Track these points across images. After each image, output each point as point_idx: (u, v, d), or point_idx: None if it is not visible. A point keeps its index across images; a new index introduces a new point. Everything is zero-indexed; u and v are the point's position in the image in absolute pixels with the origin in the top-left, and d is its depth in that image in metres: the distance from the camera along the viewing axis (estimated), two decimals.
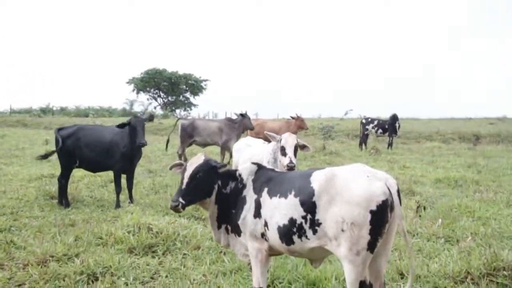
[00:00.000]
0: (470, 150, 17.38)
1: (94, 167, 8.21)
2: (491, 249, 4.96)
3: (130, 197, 8.17)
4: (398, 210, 3.19)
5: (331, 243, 3.27)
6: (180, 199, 3.74)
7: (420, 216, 7.07)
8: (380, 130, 18.57)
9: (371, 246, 3.17)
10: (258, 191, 3.74)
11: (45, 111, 48.30)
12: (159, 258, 5.28)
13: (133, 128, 7.84)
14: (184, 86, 60.84)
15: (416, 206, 7.38)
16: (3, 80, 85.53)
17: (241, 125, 13.37)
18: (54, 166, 12.29)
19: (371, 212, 3.11)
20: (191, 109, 60.75)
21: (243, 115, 13.38)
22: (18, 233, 6.12)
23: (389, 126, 18.47)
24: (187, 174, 3.82)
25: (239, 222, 3.78)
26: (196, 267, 5.01)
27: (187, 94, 62.04)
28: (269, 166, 6.02)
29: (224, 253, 5.36)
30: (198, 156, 3.98)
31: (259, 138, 8.78)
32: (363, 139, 18.37)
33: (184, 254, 5.38)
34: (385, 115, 34.85)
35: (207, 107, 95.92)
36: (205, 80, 61.57)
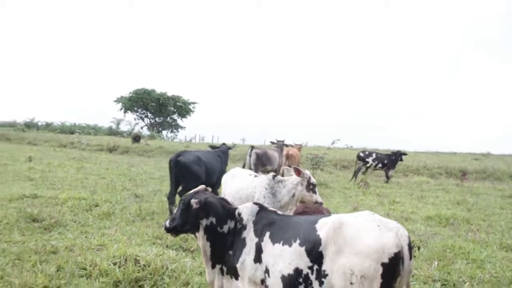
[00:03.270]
0: (458, 187, 17.37)
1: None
2: None
3: None
4: (409, 263, 3.01)
5: None
6: (166, 223, 3.74)
7: (414, 256, 6.90)
8: (380, 165, 18.64)
9: None
10: (259, 234, 3.52)
11: (29, 125, 47.72)
12: None
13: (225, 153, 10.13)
14: (172, 108, 60.73)
15: None
16: None
17: (282, 151, 14.78)
18: (36, 186, 11.92)
19: (383, 265, 2.92)
20: (178, 131, 60.64)
21: (283, 142, 15.02)
22: None
23: (392, 161, 18.48)
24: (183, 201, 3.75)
25: (237, 265, 3.55)
26: None
27: (175, 116, 61.89)
28: (266, 202, 5.91)
29: None
30: (199, 187, 3.91)
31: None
32: (358, 171, 18.32)
33: None
34: (371, 146, 35.26)
35: (194, 130, 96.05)
36: (194, 103, 61.60)
